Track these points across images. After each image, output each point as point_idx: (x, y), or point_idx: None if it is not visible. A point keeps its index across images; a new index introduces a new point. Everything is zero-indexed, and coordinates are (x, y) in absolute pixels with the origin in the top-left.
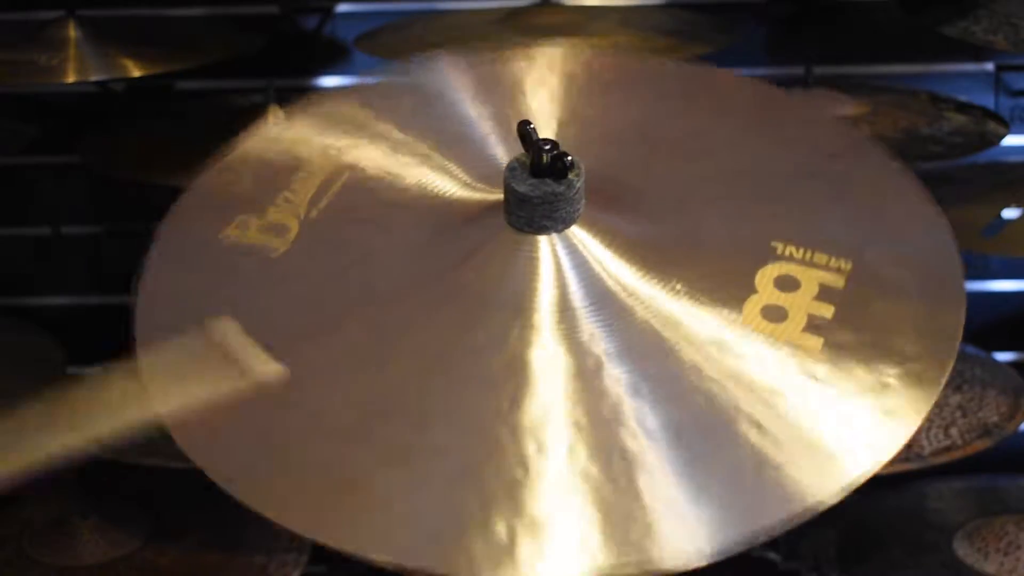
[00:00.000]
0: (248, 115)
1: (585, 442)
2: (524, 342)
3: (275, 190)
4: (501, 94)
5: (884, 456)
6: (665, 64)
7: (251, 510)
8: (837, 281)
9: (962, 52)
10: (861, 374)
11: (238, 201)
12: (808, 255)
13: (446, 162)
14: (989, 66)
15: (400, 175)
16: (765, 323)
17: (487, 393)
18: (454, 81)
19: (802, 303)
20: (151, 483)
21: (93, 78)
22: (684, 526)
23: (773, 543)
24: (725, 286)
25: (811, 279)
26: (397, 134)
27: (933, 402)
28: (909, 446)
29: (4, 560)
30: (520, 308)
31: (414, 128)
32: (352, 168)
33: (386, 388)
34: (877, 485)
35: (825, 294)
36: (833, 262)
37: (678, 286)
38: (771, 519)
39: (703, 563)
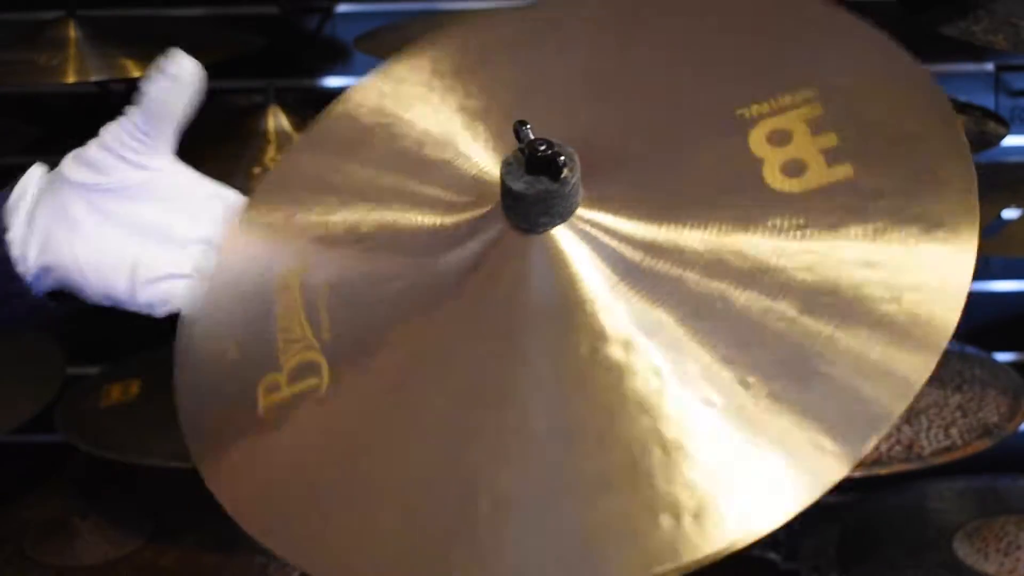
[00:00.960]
0: (248, 115)
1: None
2: (583, 342)
3: (267, 340)
4: (429, 98)
5: (969, 262)
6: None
7: None
8: (815, 110)
9: (962, 52)
10: (903, 173)
11: (240, 373)
12: (773, 104)
13: (418, 190)
14: (989, 66)
15: (377, 229)
16: (795, 180)
17: (592, 400)
18: (382, 103)
19: (806, 144)
20: (151, 483)
21: (93, 78)
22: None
23: (774, 543)
24: (738, 175)
25: (794, 120)
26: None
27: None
28: (909, 446)
29: (4, 560)
30: (566, 305)
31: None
32: (324, 273)
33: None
34: (877, 485)
35: (816, 125)
36: (799, 95)
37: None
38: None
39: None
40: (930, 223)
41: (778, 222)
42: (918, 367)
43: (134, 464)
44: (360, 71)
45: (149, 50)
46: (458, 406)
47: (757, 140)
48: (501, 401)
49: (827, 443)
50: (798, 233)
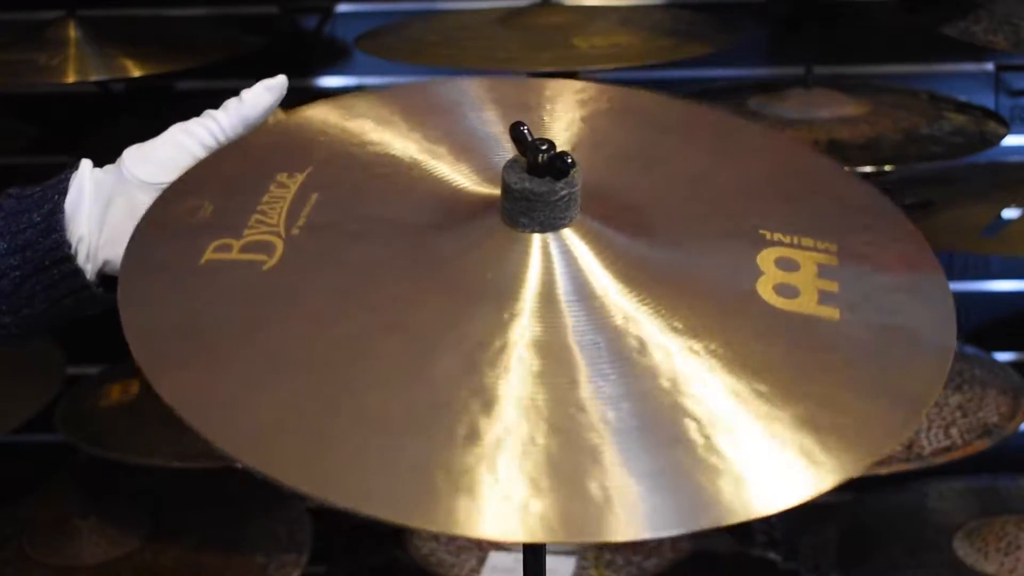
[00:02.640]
0: None
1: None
2: (502, 332)
3: (243, 213)
4: (517, 114)
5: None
6: (668, 101)
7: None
8: (831, 260)
9: (962, 52)
10: (885, 334)
11: (206, 228)
12: (796, 240)
13: (439, 165)
14: (989, 66)
15: (386, 176)
16: (782, 299)
17: (462, 374)
18: (472, 96)
19: (808, 280)
20: (151, 483)
21: (93, 78)
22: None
23: (773, 543)
24: (735, 272)
25: (807, 259)
26: (407, 132)
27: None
28: (909, 446)
29: (4, 560)
30: (502, 300)
31: (420, 129)
32: (323, 185)
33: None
34: (877, 485)
35: (825, 272)
36: (820, 244)
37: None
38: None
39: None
40: (858, 421)
41: (743, 324)
42: (721, 515)
43: (134, 464)
44: (360, 71)
45: (149, 50)
46: (376, 337)
47: (765, 258)
48: (418, 353)
49: (649, 505)
50: (747, 341)
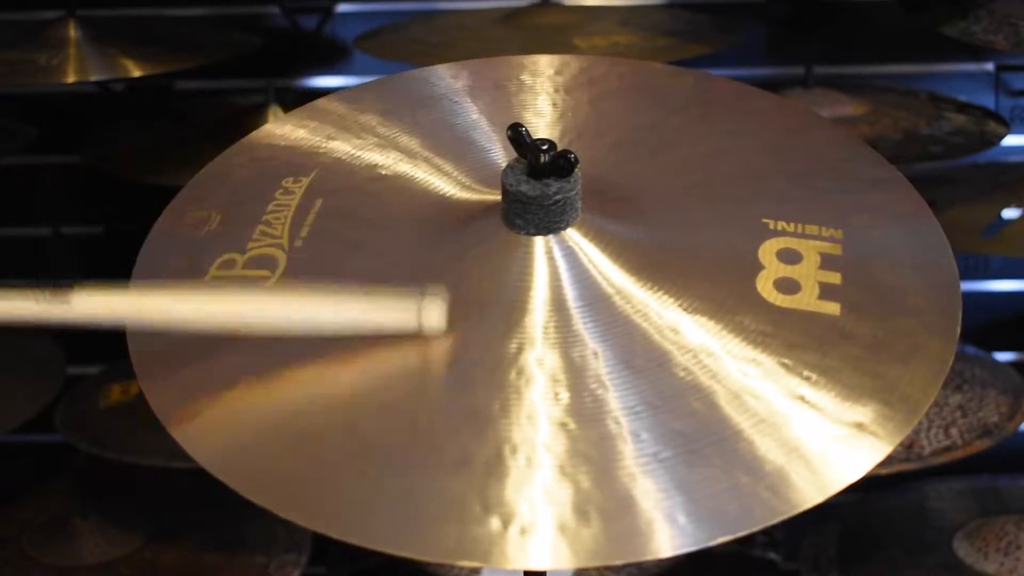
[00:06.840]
0: (248, 115)
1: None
2: (514, 341)
3: (249, 224)
4: (498, 102)
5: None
6: (655, 68)
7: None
8: (834, 249)
9: (962, 52)
10: (881, 332)
11: (213, 242)
12: (800, 228)
13: (441, 164)
14: (989, 66)
15: (388, 180)
16: (782, 296)
17: (484, 390)
18: (451, 86)
19: (809, 273)
20: (151, 483)
21: (93, 78)
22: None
23: (773, 543)
24: (734, 269)
25: (810, 249)
26: (381, 139)
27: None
28: (909, 446)
29: (4, 560)
30: (513, 306)
31: (402, 133)
32: (327, 190)
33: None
34: (877, 485)
35: (828, 262)
36: (825, 231)
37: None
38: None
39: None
40: (866, 418)
41: (746, 321)
42: (761, 515)
43: (134, 464)
44: (360, 71)
45: (149, 50)
46: (372, 359)
47: (767, 250)
48: (415, 372)
49: (681, 518)
50: (759, 339)
